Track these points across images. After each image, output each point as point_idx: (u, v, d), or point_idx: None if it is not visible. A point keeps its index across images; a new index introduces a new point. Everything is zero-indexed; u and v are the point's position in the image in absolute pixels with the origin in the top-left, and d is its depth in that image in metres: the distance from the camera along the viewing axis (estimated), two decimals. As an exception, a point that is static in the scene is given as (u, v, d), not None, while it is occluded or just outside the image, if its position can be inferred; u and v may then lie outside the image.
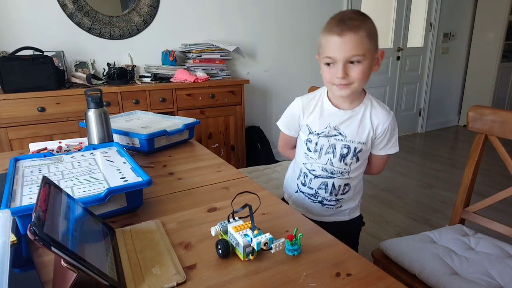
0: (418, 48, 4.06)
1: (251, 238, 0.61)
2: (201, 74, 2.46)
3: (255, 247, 0.60)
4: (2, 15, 2.16)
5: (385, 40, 3.84)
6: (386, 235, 2.03)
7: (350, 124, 1.01)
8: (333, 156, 1.03)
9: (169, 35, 2.65)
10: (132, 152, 1.24)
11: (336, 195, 1.08)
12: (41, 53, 2.04)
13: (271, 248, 0.62)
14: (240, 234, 0.62)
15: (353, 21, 0.89)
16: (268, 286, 0.56)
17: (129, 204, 0.80)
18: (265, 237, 0.61)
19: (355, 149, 1.02)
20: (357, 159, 1.03)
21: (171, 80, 2.42)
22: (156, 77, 2.41)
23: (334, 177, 1.05)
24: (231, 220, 0.66)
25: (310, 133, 1.05)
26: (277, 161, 2.64)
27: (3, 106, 1.89)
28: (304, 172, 1.10)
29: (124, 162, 0.93)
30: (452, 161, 3.36)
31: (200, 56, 2.54)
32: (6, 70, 1.89)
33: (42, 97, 1.96)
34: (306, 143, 1.07)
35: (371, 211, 2.34)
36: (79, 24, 2.35)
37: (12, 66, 1.90)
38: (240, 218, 0.67)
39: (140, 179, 0.81)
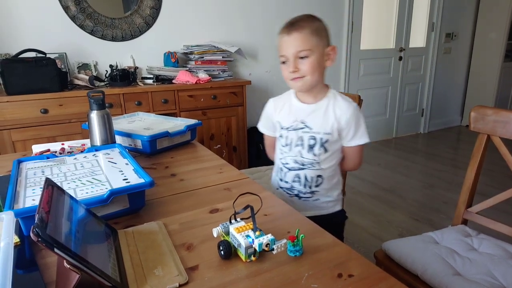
0: (420, 48, 4.05)
1: (253, 239, 0.61)
2: (203, 76, 2.47)
3: (257, 248, 0.61)
4: (5, 18, 2.17)
5: (387, 40, 3.84)
6: (388, 236, 2.03)
7: (315, 117, 1.09)
8: (302, 147, 1.10)
9: (171, 37, 2.66)
10: (135, 153, 1.25)
11: (310, 187, 1.13)
12: (44, 55, 2.05)
13: (273, 249, 0.62)
14: (242, 235, 0.62)
15: (300, 22, 1.02)
16: (270, 287, 0.56)
17: (131, 205, 0.80)
18: (267, 238, 0.61)
19: (321, 139, 1.08)
20: (325, 150, 1.09)
21: (173, 81, 2.42)
22: (158, 79, 2.41)
23: (305, 168, 1.11)
24: (233, 221, 0.67)
25: (282, 128, 1.15)
26: (279, 162, 2.64)
27: (6, 108, 1.90)
28: (280, 167, 1.17)
29: (127, 164, 0.93)
30: (455, 161, 3.35)
31: (202, 57, 2.54)
32: (9, 72, 1.90)
33: (45, 99, 1.97)
34: (279, 139, 1.16)
35: (373, 212, 2.34)
36: (81, 26, 2.36)
37: (15, 68, 1.91)
38: (242, 219, 0.67)
39: (142, 180, 0.82)
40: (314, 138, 1.09)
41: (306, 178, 1.12)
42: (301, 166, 1.12)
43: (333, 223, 1.15)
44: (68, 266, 0.49)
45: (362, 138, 1.10)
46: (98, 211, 0.74)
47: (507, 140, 1.09)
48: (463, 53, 4.40)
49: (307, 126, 1.09)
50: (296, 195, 1.15)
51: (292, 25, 1.02)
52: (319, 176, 1.12)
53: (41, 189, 0.60)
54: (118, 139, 1.24)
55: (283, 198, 1.17)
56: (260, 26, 3.01)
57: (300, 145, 1.10)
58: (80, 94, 2.05)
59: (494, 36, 4.13)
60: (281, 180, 1.18)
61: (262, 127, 1.26)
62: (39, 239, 0.45)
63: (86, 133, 1.19)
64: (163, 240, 0.69)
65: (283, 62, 1.06)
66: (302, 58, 1.01)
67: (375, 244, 1.94)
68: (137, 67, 2.50)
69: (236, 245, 0.63)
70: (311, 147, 1.09)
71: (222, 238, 0.66)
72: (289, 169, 1.14)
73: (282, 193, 1.19)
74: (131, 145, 1.25)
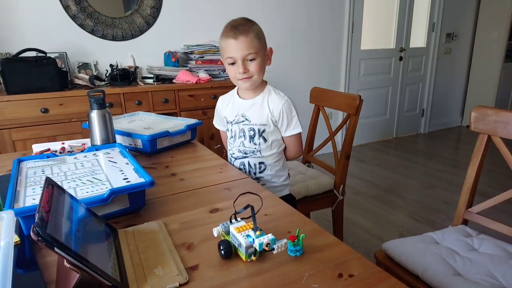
0: (421, 48, 4.05)
1: (253, 239, 0.61)
2: (203, 75, 2.46)
3: (257, 248, 0.61)
4: (5, 17, 2.17)
5: (388, 41, 3.84)
6: (389, 236, 2.02)
7: (253, 111, 1.21)
8: (244, 138, 1.22)
9: (171, 36, 2.66)
10: (135, 153, 1.25)
11: (255, 173, 1.24)
12: (44, 55, 2.05)
13: (273, 249, 0.62)
14: (242, 235, 0.62)
15: (243, 26, 1.10)
16: (270, 287, 0.56)
17: (131, 204, 0.80)
18: (267, 238, 0.61)
19: (259, 130, 1.20)
20: (264, 139, 1.20)
21: (174, 81, 2.42)
22: (158, 78, 2.41)
23: (248, 156, 1.23)
24: (233, 221, 0.67)
25: (227, 122, 1.27)
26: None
27: (6, 107, 1.90)
28: (230, 158, 1.29)
29: (127, 163, 0.93)
30: (455, 161, 3.35)
31: (203, 57, 2.54)
32: (9, 71, 1.90)
33: (45, 98, 1.97)
34: (227, 132, 1.29)
35: (373, 212, 2.34)
36: (82, 26, 2.36)
37: (16, 67, 1.91)
38: (242, 219, 0.67)
39: (142, 180, 0.81)
40: (253, 130, 1.21)
41: (249, 165, 1.23)
42: (244, 155, 1.23)
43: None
44: (68, 266, 0.49)
45: (295, 129, 1.22)
46: (98, 210, 0.74)
47: (508, 141, 1.09)
48: (464, 53, 4.40)
49: (246, 119, 1.21)
50: None
51: (237, 29, 1.09)
52: (261, 163, 1.23)
53: (41, 189, 0.60)
54: (119, 138, 1.24)
55: None
56: (261, 26, 3.00)
57: (242, 136, 1.22)
58: (81, 93, 2.05)
59: (495, 36, 4.13)
60: None
61: (215, 123, 1.40)
62: (39, 238, 0.45)
63: (87, 133, 1.19)
64: (163, 239, 0.69)
65: (231, 64, 1.14)
66: (250, 60, 1.12)
67: (375, 244, 1.94)
68: (138, 67, 2.50)
69: (236, 245, 0.63)
70: (251, 138, 1.21)
71: (223, 238, 0.66)
72: (236, 158, 1.26)
73: None
74: (131, 144, 1.25)
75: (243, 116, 1.22)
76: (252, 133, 1.21)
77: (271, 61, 1.22)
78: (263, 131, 1.20)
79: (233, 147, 1.26)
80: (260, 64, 1.14)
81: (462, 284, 0.90)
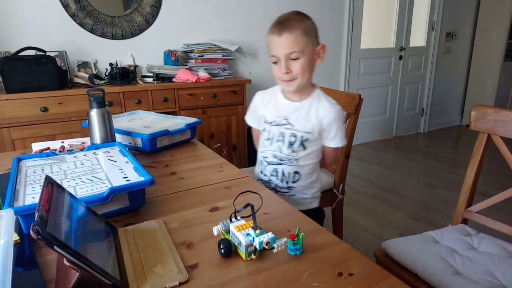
0: (421, 47, 4.05)
1: (253, 238, 0.61)
2: (203, 74, 2.46)
3: (257, 247, 0.61)
4: (4, 16, 2.16)
5: (387, 40, 3.84)
6: (388, 235, 2.03)
7: (298, 115, 1.11)
8: (283, 143, 1.13)
9: (171, 35, 2.66)
10: (135, 151, 1.25)
11: (287, 182, 1.16)
12: (44, 53, 2.04)
13: (273, 248, 0.62)
14: (242, 234, 0.62)
15: (289, 21, 1.01)
16: (270, 285, 0.56)
17: (131, 203, 0.80)
18: (267, 236, 0.61)
19: (301, 137, 1.10)
20: (304, 147, 1.11)
21: (173, 80, 2.42)
22: (158, 77, 2.41)
23: (283, 164, 1.14)
24: (233, 219, 0.67)
25: (265, 122, 1.17)
26: (279, 161, 2.64)
27: (6, 106, 1.90)
28: (261, 160, 1.21)
29: (127, 162, 0.93)
30: (455, 160, 3.35)
31: (202, 56, 2.54)
32: (9, 70, 1.90)
33: (44, 97, 1.97)
34: (263, 133, 1.19)
35: (373, 211, 2.34)
36: (81, 24, 2.36)
37: (15, 66, 1.91)
38: (242, 217, 0.67)
39: (142, 178, 0.81)
40: (295, 136, 1.11)
41: (283, 173, 1.15)
42: (280, 161, 1.14)
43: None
44: (68, 264, 0.49)
45: (340, 142, 1.13)
46: (98, 209, 0.74)
47: (508, 140, 1.09)
48: (464, 53, 4.40)
49: (289, 123, 1.12)
50: (274, 189, 1.18)
51: (282, 25, 1.01)
52: (296, 172, 1.14)
53: (41, 187, 0.60)
54: (118, 137, 1.24)
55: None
56: (260, 25, 3.00)
57: (281, 141, 1.13)
58: (80, 92, 2.05)
59: (495, 36, 4.13)
60: (261, 172, 1.22)
61: (249, 120, 1.29)
62: (39, 237, 0.45)
63: (86, 131, 1.19)
64: (163, 238, 0.69)
65: (274, 62, 1.06)
66: (293, 59, 1.02)
67: (375, 243, 1.95)
68: (137, 66, 2.50)
69: (236, 244, 0.63)
70: (291, 144, 1.12)
71: (222, 237, 0.66)
72: (268, 163, 1.17)
73: (261, 186, 1.21)
74: (131, 143, 1.25)
75: (285, 119, 1.12)
76: (293, 139, 1.11)
77: (322, 60, 1.08)
78: (306, 139, 1.11)
79: (268, 151, 1.17)
80: (305, 64, 1.03)
81: (461, 283, 0.90)
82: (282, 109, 1.13)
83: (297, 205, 1.17)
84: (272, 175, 1.17)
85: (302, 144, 1.11)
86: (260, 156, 1.21)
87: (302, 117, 1.10)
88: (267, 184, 1.19)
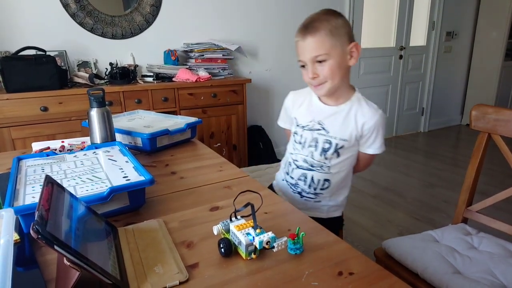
0: (421, 47, 4.05)
1: (253, 237, 0.61)
2: (203, 74, 2.46)
3: (257, 246, 0.60)
4: (4, 15, 2.16)
5: (388, 39, 3.84)
6: (389, 235, 2.03)
7: (334, 120, 1.04)
8: (315, 149, 1.06)
9: (171, 35, 2.66)
10: (135, 151, 1.24)
11: (315, 189, 1.10)
12: (44, 53, 2.04)
13: (273, 247, 0.62)
14: (242, 233, 0.62)
15: (314, 23, 0.95)
16: (270, 285, 0.56)
17: (131, 203, 0.80)
18: (267, 236, 0.61)
19: (336, 144, 1.04)
20: (338, 155, 1.05)
21: (173, 79, 2.42)
22: (158, 77, 2.41)
23: (313, 170, 1.08)
24: (233, 219, 0.66)
25: (297, 125, 1.11)
26: (279, 160, 2.64)
27: (6, 106, 1.90)
28: (289, 162, 1.14)
29: (127, 161, 0.93)
30: (455, 160, 3.35)
31: (202, 55, 2.54)
32: (9, 70, 1.90)
33: (44, 97, 1.97)
34: (294, 135, 1.12)
35: (373, 211, 2.34)
36: (81, 24, 2.36)
37: (15, 66, 1.91)
38: (242, 217, 0.67)
39: (142, 178, 0.81)
40: (330, 142, 1.04)
41: (312, 180, 1.09)
42: (310, 167, 1.08)
43: (328, 228, 1.14)
44: (68, 264, 0.49)
45: (379, 148, 1.06)
46: (98, 208, 0.74)
47: (508, 139, 1.09)
48: (464, 52, 4.40)
49: (324, 128, 1.04)
50: (299, 193, 1.13)
51: (306, 28, 0.95)
52: (326, 180, 1.08)
53: (41, 187, 0.60)
54: (118, 137, 1.24)
55: (285, 190, 1.18)
56: (261, 24, 3.00)
57: (314, 146, 1.06)
58: (80, 92, 2.05)
59: (495, 35, 4.13)
60: (287, 173, 1.16)
61: (281, 122, 1.23)
62: (39, 236, 0.45)
63: (86, 131, 1.19)
64: (163, 237, 0.69)
65: (302, 66, 1.01)
66: (320, 62, 0.96)
67: (375, 243, 1.95)
68: (137, 65, 2.50)
69: (236, 243, 0.63)
70: (324, 151, 1.04)
71: (223, 236, 0.66)
72: (297, 167, 1.11)
73: (286, 186, 1.17)
74: (131, 143, 1.25)
75: (319, 124, 1.05)
76: (327, 146, 1.04)
77: (356, 59, 1.00)
78: (341, 147, 1.03)
79: (298, 154, 1.10)
80: (333, 67, 0.96)
81: (462, 282, 0.90)
82: (317, 113, 1.06)
83: (319, 212, 1.14)
84: (299, 179, 1.11)
85: (337, 152, 1.04)
86: (288, 157, 1.15)
87: (339, 123, 1.03)
88: (292, 187, 1.14)
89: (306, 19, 0.98)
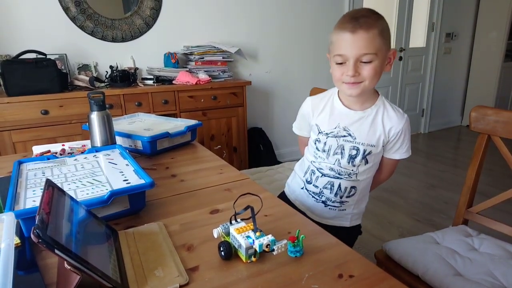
0: (421, 48, 4.05)
1: (253, 240, 0.61)
2: (203, 76, 2.47)
3: (257, 249, 0.61)
4: (5, 19, 2.17)
5: (387, 41, 3.84)
6: (389, 236, 2.03)
7: (360, 126, 0.99)
8: (342, 157, 1.01)
9: (171, 38, 2.66)
10: (135, 154, 1.25)
11: (341, 197, 1.06)
12: (44, 56, 2.05)
13: (273, 250, 0.62)
14: (242, 236, 0.62)
15: (366, 18, 0.87)
16: (271, 287, 0.56)
17: (132, 206, 0.80)
18: (267, 238, 0.61)
19: (364, 151, 0.99)
20: (366, 162, 1.01)
21: (173, 82, 2.42)
22: (158, 79, 2.41)
23: (341, 178, 1.03)
24: (233, 222, 0.67)
25: (319, 132, 1.04)
26: (279, 162, 2.64)
27: (7, 109, 1.90)
28: (312, 170, 1.08)
29: (127, 165, 0.93)
30: (455, 161, 3.35)
31: (202, 58, 2.55)
32: (9, 73, 1.91)
33: (45, 100, 1.98)
34: (315, 143, 1.06)
35: (374, 212, 2.34)
36: (81, 27, 2.36)
37: (16, 69, 1.91)
38: (242, 220, 0.67)
39: (142, 181, 0.82)
40: (357, 149, 0.99)
41: (339, 188, 1.04)
42: (337, 175, 1.03)
43: (348, 237, 1.08)
44: (69, 267, 0.49)
45: (406, 153, 1.03)
46: (99, 212, 0.74)
47: (508, 140, 1.09)
48: (463, 53, 4.40)
49: (350, 135, 0.99)
50: (323, 202, 1.08)
51: (357, 21, 0.87)
52: (353, 187, 1.04)
53: (42, 190, 0.60)
54: (119, 140, 1.24)
55: (304, 200, 1.13)
56: (260, 27, 3.01)
57: (340, 154, 1.01)
58: (81, 95, 2.05)
59: (494, 36, 4.13)
60: (309, 182, 1.09)
61: (297, 129, 1.17)
62: (40, 240, 0.45)
63: (87, 134, 1.19)
64: (164, 241, 0.69)
65: (340, 63, 0.92)
66: (363, 61, 0.90)
67: (376, 244, 1.94)
68: (137, 68, 2.50)
69: (236, 246, 0.63)
70: (352, 158, 1.00)
71: (223, 239, 0.66)
72: (323, 175, 1.05)
73: (306, 195, 1.12)
74: (131, 146, 1.25)
75: (345, 130, 0.99)
76: (354, 152, 0.99)
77: (391, 66, 0.97)
78: (369, 153, 0.99)
79: (323, 163, 1.04)
80: (377, 69, 0.91)
81: (462, 284, 0.90)
82: (341, 119, 1.00)
83: (341, 221, 1.11)
84: (325, 187, 1.05)
85: (365, 158, 1.00)
86: (311, 166, 1.08)
87: (366, 128, 0.98)
88: (316, 196, 1.08)
89: (352, 12, 0.90)
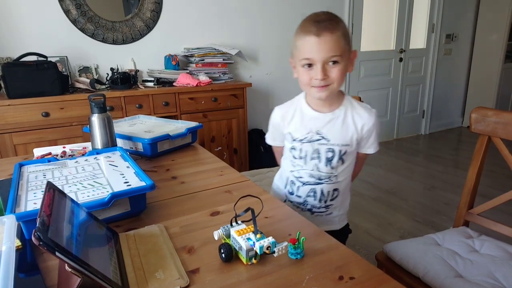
0: (421, 49, 4.05)
1: (254, 242, 0.61)
2: (203, 78, 2.47)
3: (258, 251, 0.61)
4: (6, 22, 2.18)
5: (387, 42, 3.84)
6: (390, 238, 2.02)
7: (332, 127, 1.00)
8: (319, 161, 1.02)
9: (171, 40, 2.67)
10: (136, 156, 1.25)
11: (325, 201, 1.06)
12: (45, 59, 2.05)
13: (274, 252, 0.62)
14: (243, 238, 0.62)
15: (329, 21, 0.89)
16: (271, 289, 0.56)
17: (132, 208, 0.80)
18: (268, 240, 0.61)
19: (340, 151, 1.00)
20: (343, 162, 1.02)
21: (174, 84, 2.43)
22: (159, 81, 2.42)
23: (322, 183, 1.04)
24: (233, 224, 0.67)
25: (294, 140, 1.04)
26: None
27: (8, 112, 1.91)
28: (292, 180, 1.08)
29: (128, 167, 0.94)
30: (456, 162, 3.35)
31: (203, 60, 2.55)
32: (10, 76, 1.91)
33: (46, 102, 1.98)
34: (291, 151, 1.06)
35: (374, 214, 2.33)
36: (82, 30, 2.37)
37: (17, 72, 1.92)
38: (242, 221, 0.67)
39: (143, 183, 0.82)
40: (333, 151, 1.00)
41: (322, 193, 1.05)
42: (318, 181, 1.04)
43: (341, 239, 1.09)
44: (70, 270, 0.49)
45: (377, 147, 1.06)
46: (99, 214, 0.74)
47: (508, 141, 1.09)
48: (464, 54, 4.40)
49: (324, 137, 1.00)
50: (309, 210, 1.09)
51: (321, 24, 0.88)
52: (335, 189, 1.06)
53: (43, 193, 0.60)
54: (119, 142, 1.24)
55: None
56: (261, 29, 3.02)
57: (317, 158, 1.01)
58: (81, 97, 2.06)
59: (495, 37, 4.13)
60: (291, 193, 1.10)
61: (271, 140, 1.16)
62: (41, 243, 0.45)
63: (87, 136, 1.20)
64: (164, 243, 0.69)
65: (307, 65, 0.92)
66: (330, 63, 0.90)
67: (376, 246, 1.94)
68: (138, 70, 2.50)
69: (237, 248, 0.63)
70: (329, 160, 1.01)
71: (223, 241, 0.66)
72: (304, 183, 1.05)
73: (290, 206, 1.11)
74: (132, 148, 1.25)
75: (318, 134, 1.00)
76: (330, 155, 1.00)
77: (353, 67, 0.98)
78: (344, 152, 1.01)
79: (302, 170, 1.04)
80: (343, 70, 0.92)
81: (463, 285, 0.90)
82: (313, 123, 1.01)
83: (330, 225, 1.11)
84: (308, 196, 1.06)
85: (341, 158, 1.01)
86: (290, 176, 1.08)
87: (338, 129, 0.99)
88: (301, 205, 1.09)
89: (312, 16, 0.92)
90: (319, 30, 0.88)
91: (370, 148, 1.06)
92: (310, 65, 0.92)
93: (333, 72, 0.91)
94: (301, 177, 1.05)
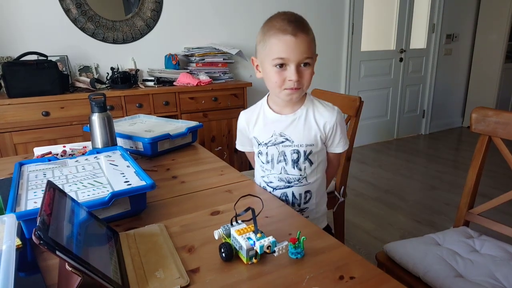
0: (421, 49, 4.05)
1: (254, 242, 0.61)
2: (204, 78, 2.47)
3: (258, 251, 0.61)
4: (6, 21, 2.18)
5: (388, 42, 3.84)
6: (390, 238, 2.02)
7: (295, 128, 0.99)
8: (286, 163, 1.00)
9: (172, 39, 2.67)
10: (136, 155, 1.25)
11: (299, 205, 1.04)
12: (45, 58, 2.05)
13: (274, 251, 0.62)
14: (243, 238, 0.62)
15: (302, 22, 0.88)
16: (271, 289, 0.56)
17: (132, 207, 0.81)
18: (268, 240, 0.61)
19: (305, 152, 0.99)
20: (310, 162, 1.00)
21: (174, 83, 2.43)
22: (159, 81, 2.42)
23: (292, 186, 1.02)
24: (234, 223, 0.67)
25: (259, 144, 1.03)
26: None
27: (8, 111, 1.91)
28: (263, 187, 1.06)
29: (128, 166, 0.94)
30: (456, 162, 3.35)
31: (203, 59, 2.55)
32: (10, 75, 1.91)
33: (46, 102, 1.98)
34: (258, 156, 1.05)
35: (374, 214, 2.33)
36: (82, 29, 2.37)
37: (17, 71, 1.92)
38: (243, 221, 0.67)
39: (143, 182, 0.82)
40: (297, 152, 0.99)
41: (294, 196, 1.03)
42: (288, 184, 1.02)
43: None
44: (70, 269, 0.49)
45: (345, 145, 1.04)
46: (100, 213, 0.74)
47: (508, 141, 1.09)
48: (464, 54, 4.40)
49: (287, 139, 0.99)
50: None
51: (296, 24, 0.87)
52: (307, 191, 1.04)
53: (43, 192, 0.60)
54: (120, 141, 1.24)
55: None
56: (261, 28, 3.01)
57: (283, 161, 1.00)
58: (82, 96, 2.06)
59: (495, 37, 4.13)
60: None
61: (240, 145, 1.15)
62: (41, 242, 0.45)
63: (88, 136, 1.20)
64: (164, 242, 0.69)
65: (279, 66, 0.89)
66: (303, 65, 0.89)
67: (376, 246, 1.94)
68: (138, 70, 2.50)
69: (237, 247, 0.63)
70: (295, 162, 0.99)
71: (223, 240, 0.66)
72: (274, 188, 1.03)
73: None
74: (132, 147, 1.25)
75: (282, 136, 0.99)
76: (295, 156, 0.99)
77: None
78: (310, 152, 0.99)
79: (270, 175, 1.03)
80: (312, 73, 0.92)
81: (463, 285, 0.90)
82: (275, 125, 1.00)
83: None
84: (281, 200, 1.02)
85: (308, 159, 1.00)
86: (261, 182, 1.07)
87: (301, 129, 0.98)
88: None
89: (284, 15, 0.89)
90: (295, 30, 0.86)
91: (337, 147, 1.04)
92: (282, 66, 0.89)
93: (305, 74, 0.90)
94: (271, 182, 1.04)
